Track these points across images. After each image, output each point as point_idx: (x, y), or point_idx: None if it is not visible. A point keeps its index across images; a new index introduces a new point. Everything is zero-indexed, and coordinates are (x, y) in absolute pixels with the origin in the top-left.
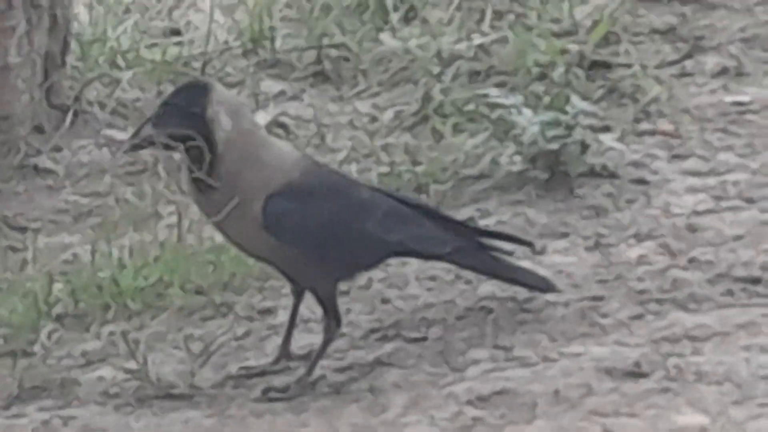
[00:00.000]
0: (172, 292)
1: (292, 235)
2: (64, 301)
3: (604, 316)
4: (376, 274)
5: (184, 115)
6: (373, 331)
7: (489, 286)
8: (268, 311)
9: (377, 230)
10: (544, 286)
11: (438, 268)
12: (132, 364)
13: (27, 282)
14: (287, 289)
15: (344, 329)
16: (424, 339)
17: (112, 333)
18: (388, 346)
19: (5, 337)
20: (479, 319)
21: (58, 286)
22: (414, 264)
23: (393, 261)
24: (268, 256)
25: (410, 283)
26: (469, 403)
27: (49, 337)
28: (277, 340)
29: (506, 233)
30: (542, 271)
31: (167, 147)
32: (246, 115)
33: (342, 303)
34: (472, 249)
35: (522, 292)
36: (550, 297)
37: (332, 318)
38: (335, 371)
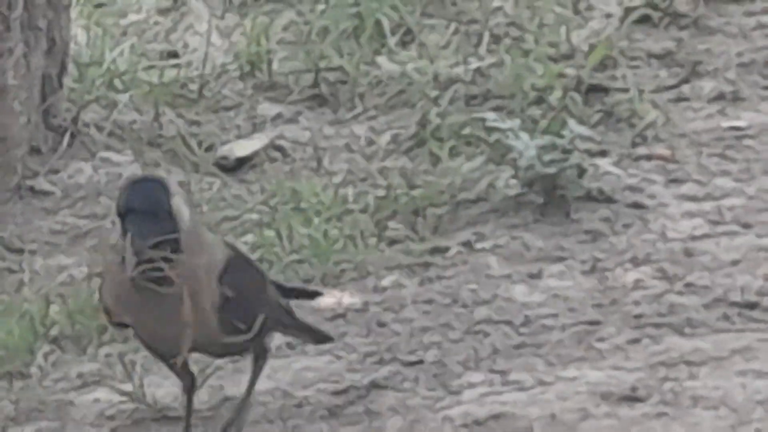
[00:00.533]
0: None
1: (240, 310)
2: (60, 323)
3: (601, 340)
4: (373, 297)
5: (158, 220)
6: (369, 354)
7: (485, 310)
8: None
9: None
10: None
11: (434, 291)
12: (128, 386)
13: (23, 303)
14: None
15: (340, 352)
16: (421, 362)
17: (108, 355)
18: (384, 370)
19: (1, 359)
20: (475, 342)
21: (54, 308)
22: (410, 287)
23: (389, 284)
24: (209, 338)
25: (406, 306)
26: (465, 426)
27: (45, 358)
28: (273, 363)
29: (298, 287)
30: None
31: (165, 260)
32: (191, 204)
33: (337, 326)
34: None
35: (519, 316)
36: (546, 321)
37: (263, 351)
38: (331, 394)
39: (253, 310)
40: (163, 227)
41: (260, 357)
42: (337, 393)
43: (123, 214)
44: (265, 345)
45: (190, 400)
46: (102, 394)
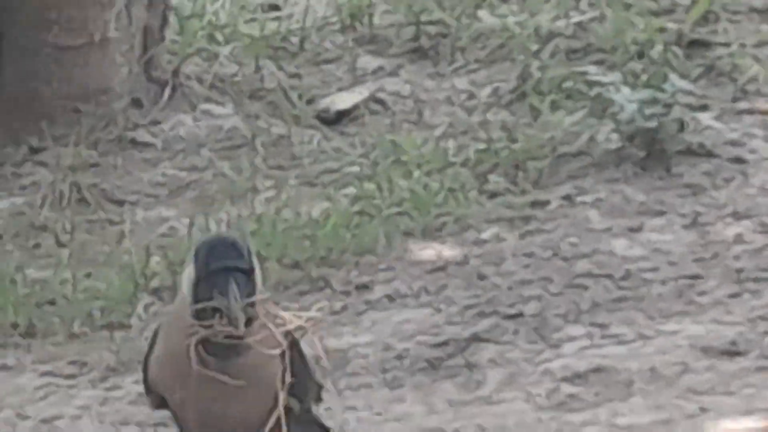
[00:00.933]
0: (268, 266)
1: (296, 387)
2: (161, 275)
3: (701, 294)
4: (473, 250)
5: (249, 279)
6: (468, 307)
7: (585, 263)
8: (364, 286)
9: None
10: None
11: (534, 244)
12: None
13: (124, 255)
14: (384, 263)
15: (440, 305)
16: (521, 315)
17: None
18: (484, 322)
19: (102, 310)
20: (575, 295)
21: (155, 260)
22: (511, 240)
23: (489, 237)
24: (261, 421)
25: (506, 259)
26: (565, 379)
27: (145, 310)
28: (373, 316)
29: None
30: None
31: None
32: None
33: (438, 279)
34: None
35: (619, 270)
36: (647, 275)
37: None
38: (431, 347)
39: (304, 386)
40: (254, 288)
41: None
42: (436, 345)
43: (215, 271)
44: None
45: None
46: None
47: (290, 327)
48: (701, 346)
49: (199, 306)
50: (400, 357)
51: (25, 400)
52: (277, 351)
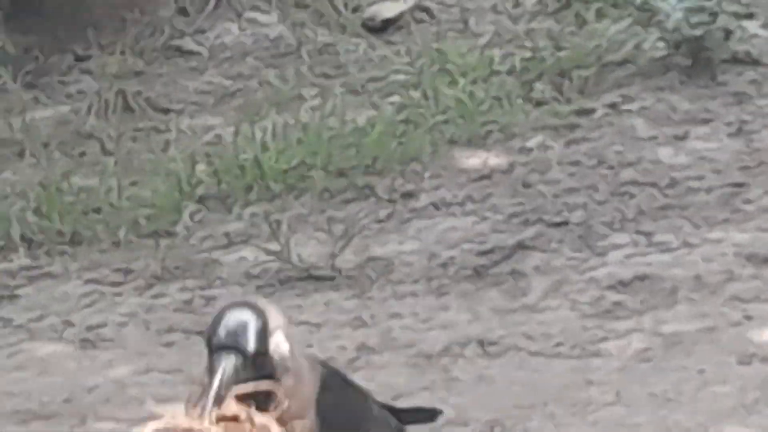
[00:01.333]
0: (314, 174)
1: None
2: (206, 183)
3: (747, 202)
4: (518, 158)
5: (253, 362)
6: (514, 215)
7: (631, 171)
8: (409, 194)
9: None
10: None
11: (579, 152)
12: (274, 246)
13: (170, 163)
14: (429, 172)
15: (486, 213)
16: (566, 223)
17: (254, 214)
18: (530, 230)
19: (148, 218)
20: (621, 203)
21: (200, 168)
22: (556, 149)
23: (535, 145)
24: None
25: (552, 167)
26: (610, 287)
27: (191, 217)
28: (419, 224)
29: (416, 406)
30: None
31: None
32: (289, 330)
33: (484, 187)
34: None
35: (664, 178)
36: (692, 183)
37: None
38: (476, 254)
39: (356, 427)
40: (257, 371)
41: None
42: (482, 253)
43: (213, 350)
44: None
45: None
46: (248, 253)
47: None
48: (746, 254)
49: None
50: (445, 265)
51: (70, 308)
52: None
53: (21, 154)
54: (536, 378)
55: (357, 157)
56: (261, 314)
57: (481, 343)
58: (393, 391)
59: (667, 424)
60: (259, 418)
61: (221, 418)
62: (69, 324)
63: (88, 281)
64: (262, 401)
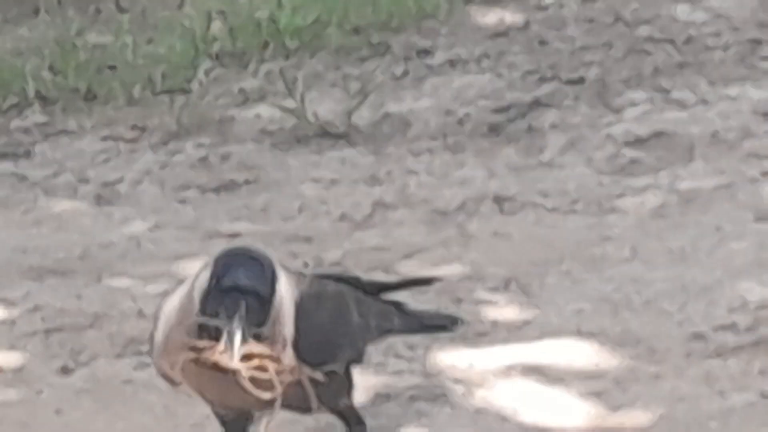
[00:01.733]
0: (330, 32)
1: (315, 355)
2: (221, 40)
3: (764, 59)
4: (534, 15)
5: (267, 307)
6: (530, 72)
7: (647, 28)
8: (425, 51)
9: (367, 325)
10: (450, 323)
11: (596, 9)
12: (289, 103)
13: (185, 20)
14: (445, 29)
15: (501, 70)
16: (582, 80)
17: (269, 71)
18: (546, 87)
19: (163, 75)
20: (637, 60)
21: (216, 25)
22: (572, 5)
23: (551, 1)
24: (290, 398)
25: (568, 24)
26: (627, 144)
27: (206, 74)
28: (434, 81)
29: (409, 279)
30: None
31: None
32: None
33: (500, 44)
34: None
35: (681, 35)
36: (709, 40)
37: (359, 425)
38: (493, 112)
39: (329, 348)
40: (267, 317)
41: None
42: (498, 110)
43: (228, 288)
44: (360, 416)
45: None
46: (263, 110)
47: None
48: (763, 111)
49: (203, 320)
50: (461, 122)
51: (86, 164)
52: (268, 395)
53: (36, 12)
54: (552, 234)
55: (373, 13)
56: (269, 259)
57: (497, 199)
58: (409, 248)
59: (683, 280)
60: (285, 358)
61: (248, 356)
62: (84, 181)
63: (103, 138)
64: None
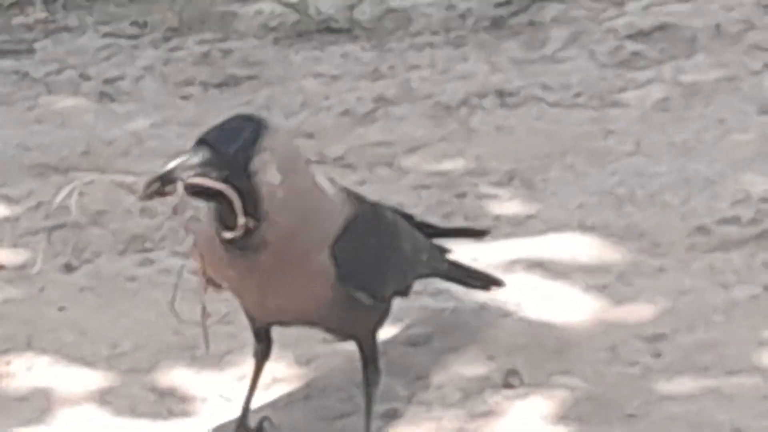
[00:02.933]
0: None
1: (362, 277)
2: None
3: None
4: None
5: (222, 162)
6: None
7: None
8: None
9: (418, 260)
10: (491, 284)
11: None
12: None
13: None
14: None
15: None
16: None
17: None
18: None
19: None
20: None
21: None
22: None
23: None
24: (320, 314)
25: None
26: (629, 37)
27: None
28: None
29: (459, 228)
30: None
31: (196, 194)
32: (300, 164)
33: None
34: (441, 257)
35: None
36: None
37: (375, 368)
38: (495, 6)
39: (379, 273)
40: (222, 172)
41: (373, 379)
42: (500, 4)
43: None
44: (378, 357)
45: (257, 373)
46: (265, 5)
47: None
48: (765, 3)
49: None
50: (463, 16)
51: (87, 61)
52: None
53: None
54: (555, 128)
55: None
56: (260, 128)
57: (500, 93)
58: (411, 143)
59: (686, 172)
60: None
61: (157, 192)
62: (86, 77)
63: (105, 35)
64: (229, 218)
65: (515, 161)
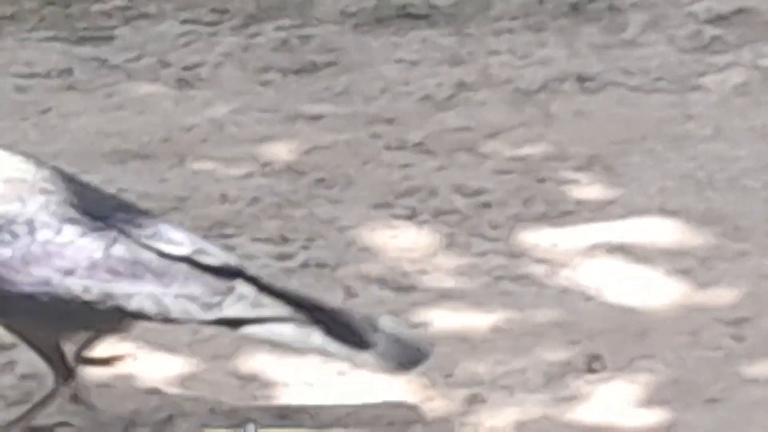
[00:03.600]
0: None
1: None
2: None
3: None
4: None
5: None
6: None
7: None
8: None
9: None
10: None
11: None
12: None
13: None
14: None
15: None
16: None
17: None
18: None
19: None
20: None
21: None
22: None
23: None
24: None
25: None
26: (709, 21)
27: None
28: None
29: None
30: None
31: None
32: None
33: None
34: None
35: None
36: None
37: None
38: None
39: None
40: None
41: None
42: None
43: None
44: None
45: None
46: None
47: None
48: None
49: None
50: (542, 1)
51: (167, 48)
52: None
53: None
54: (635, 113)
55: None
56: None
57: (579, 78)
58: (491, 128)
59: (766, 157)
60: None
61: None
62: (166, 64)
63: (184, 21)
64: None
65: (595, 146)
